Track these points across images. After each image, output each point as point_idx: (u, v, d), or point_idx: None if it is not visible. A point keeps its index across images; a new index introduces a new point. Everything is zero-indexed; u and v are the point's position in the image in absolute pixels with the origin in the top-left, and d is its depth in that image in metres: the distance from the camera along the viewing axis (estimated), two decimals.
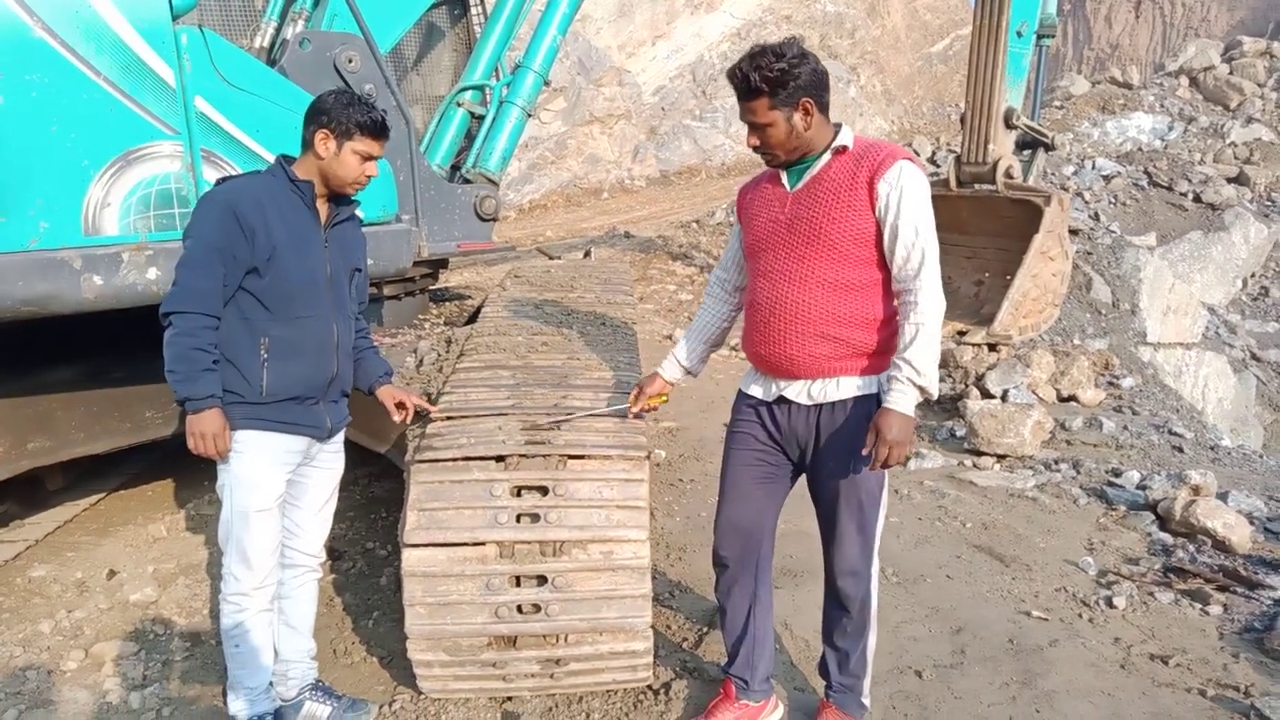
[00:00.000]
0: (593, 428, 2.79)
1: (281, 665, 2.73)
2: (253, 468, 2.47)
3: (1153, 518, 4.28)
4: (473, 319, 4.98)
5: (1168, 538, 4.08)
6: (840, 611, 2.53)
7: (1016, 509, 4.38)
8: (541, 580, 2.56)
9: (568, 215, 15.85)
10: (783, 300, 2.38)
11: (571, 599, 2.55)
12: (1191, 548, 3.98)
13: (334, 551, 3.92)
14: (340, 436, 2.79)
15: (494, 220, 4.66)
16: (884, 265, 2.32)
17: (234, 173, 3.19)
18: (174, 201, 3.02)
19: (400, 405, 2.86)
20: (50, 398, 3.63)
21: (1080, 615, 3.42)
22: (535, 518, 2.58)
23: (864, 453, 2.29)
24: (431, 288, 4.92)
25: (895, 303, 2.37)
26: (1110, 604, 3.49)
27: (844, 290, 2.33)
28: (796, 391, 2.43)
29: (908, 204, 2.24)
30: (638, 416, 2.80)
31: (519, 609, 2.55)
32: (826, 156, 2.32)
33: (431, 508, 2.58)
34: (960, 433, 5.43)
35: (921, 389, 2.27)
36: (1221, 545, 4.02)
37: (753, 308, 2.49)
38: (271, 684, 2.64)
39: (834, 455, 2.41)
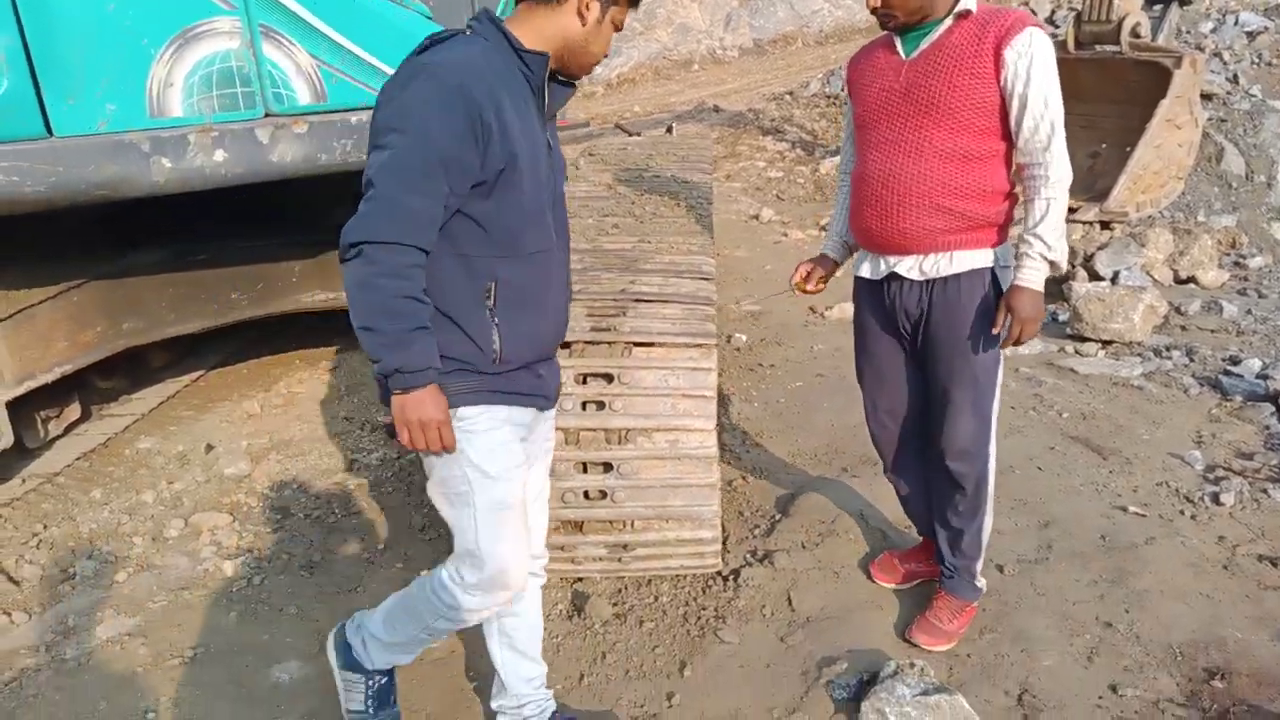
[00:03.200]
0: (660, 314, 2.69)
1: (513, 701, 2.18)
2: (496, 451, 1.83)
3: (1272, 409, 3.96)
4: None
5: None
6: (954, 490, 2.46)
7: (1120, 399, 4.12)
8: (607, 467, 2.53)
9: (656, 89, 15.32)
10: (896, 172, 2.25)
11: (637, 486, 2.52)
12: None
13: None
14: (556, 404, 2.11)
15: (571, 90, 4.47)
16: (1004, 136, 2.19)
17: (298, 50, 3.10)
18: (236, 80, 2.96)
19: None
20: (140, 280, 3.74)
21: (1183, 512, 3.22)
22: (600, 405, 2.53)
23: (994, 331, 2.24)
24: None
25: (1014, 175, 2.25)
26: (1217, 500, 3.27)
27: (961, 161, 2.19)
28: (908, 267, 2.32)
29: (1038, 72, 2.08)
30: (806, 294, 2.67)
31: (585, 495, 2.54)
32: (948, 21, 2.15)
33: None
34: (1063, 317, 5.11)
35: (1053, 264, 2.19)
36: None
37: (862, 181, 2.35)
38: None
39: (948, 331, 2.31)
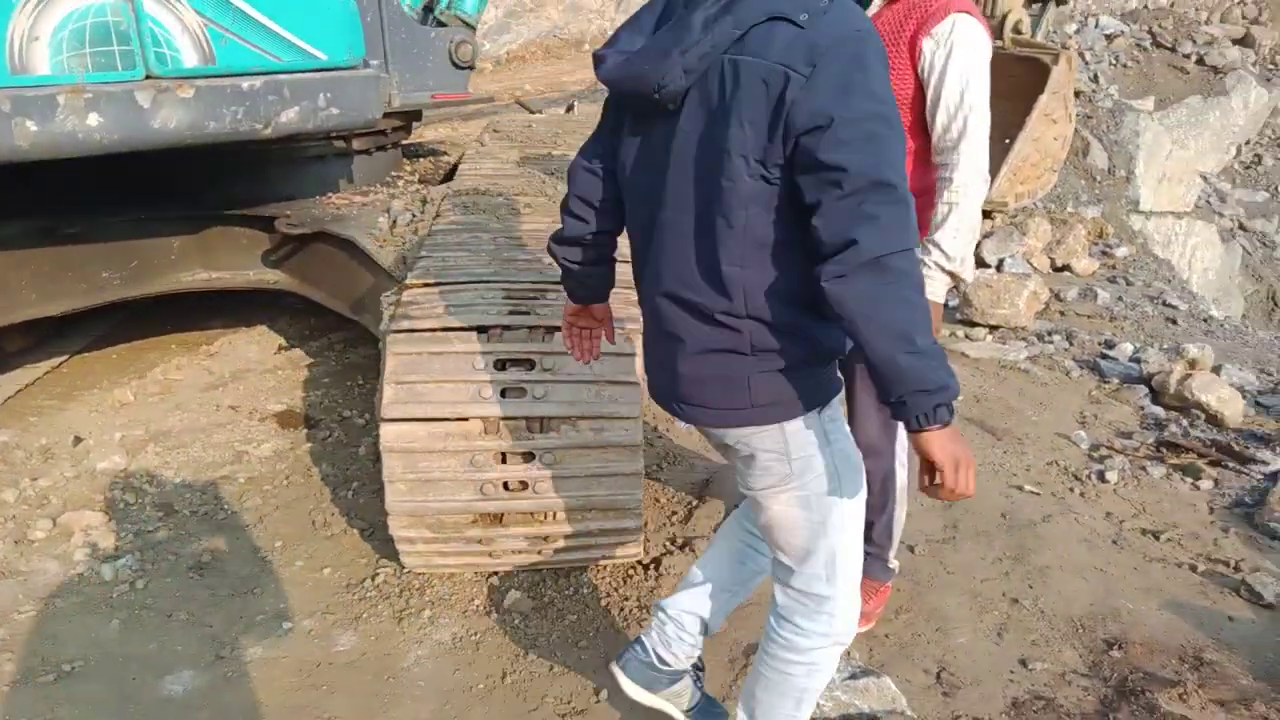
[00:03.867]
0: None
1: (691, 623, 1.99)
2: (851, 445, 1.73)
3: (1146, 391, 4.22)
4: (449, 177, 4.70)
5: (1160, 411, 4.03)
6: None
7: (1008, 381, 4.30)
8: (529, 457, 2.44)
9: (547, 68, 15.03)
10: None
11: (560, 476, 2.44)
12: (1185, 422, 3.95)
13: (310, 419, 3.79)
14: None
15: (470, 69, 4.30)
16: (924, 133, 2.11)
17: (184, 8, 2.85)
18: (113, 37, 2.69)
19: None
20: None
21: (1072, 490, 3.39)
22: (521, 392, 2.43)
23: None
24: (404, 142, 4.60)
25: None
26: (1102, 478, 3.46)
27: None
28: None
29: (956, 64, 2.00)
30: None
31: (505, 486, 2.44)
32: (876, 4, 2.10)
33: (410, 380, 2.42)
34: (953, 303, 5.30)
35: (952, 274, 2.10)
36: (1214, 419, 3.98)
37: None
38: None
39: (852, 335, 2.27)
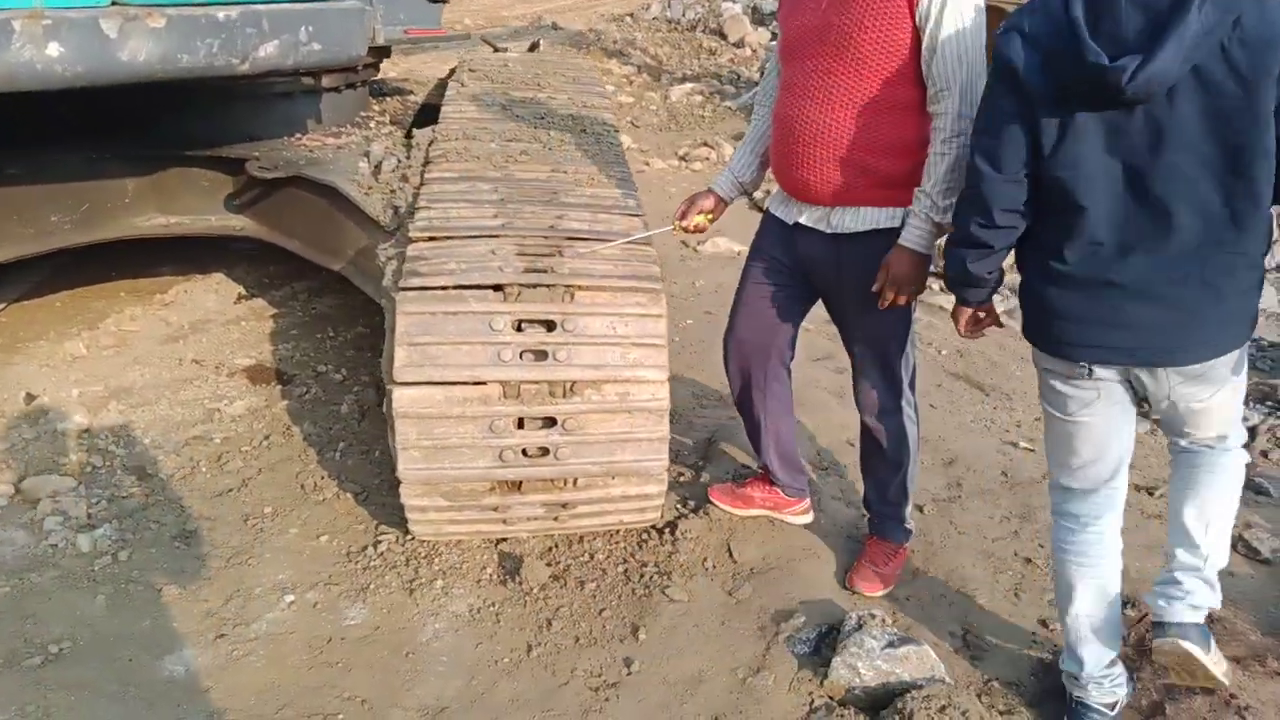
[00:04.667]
0: (600, 254, 2.48)
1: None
2: None
3: None
4: (420, 118, 4.45)
5: None
6: (873, 445, 2.48)
7: (989, 335, 4.29)
8: (550, 422, 2.33)
9: (486, 1, 14.49)
10: (804, 119, 2.15)
11: (583, 442, 2.34)
12: None
13: (283, 375, 3.60)
14: None
15: (444, 1, 4.05)
16: (921, 83, 2.06)
17: None
18: None
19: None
20: None
21: None
22: (542, 355, 2.31)
23: (873, 289, 2.15)
24: (373, 79, 4.33)
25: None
26: None
27: (873, 111, 2.08)
28: (815, 218, 2.25)
29: (952, 12, 1.96)
30: (688, 233, 2.57)
31: (524, 452, 2.34)
32: None
33: (423, 342, 2.27)
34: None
35: (940, 225, 2.06)
36: None
37: (776, 122, 2.27)
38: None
39: (853, 290, 2.25)
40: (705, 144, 7.91)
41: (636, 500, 2.48)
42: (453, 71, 5.04)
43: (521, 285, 2.36)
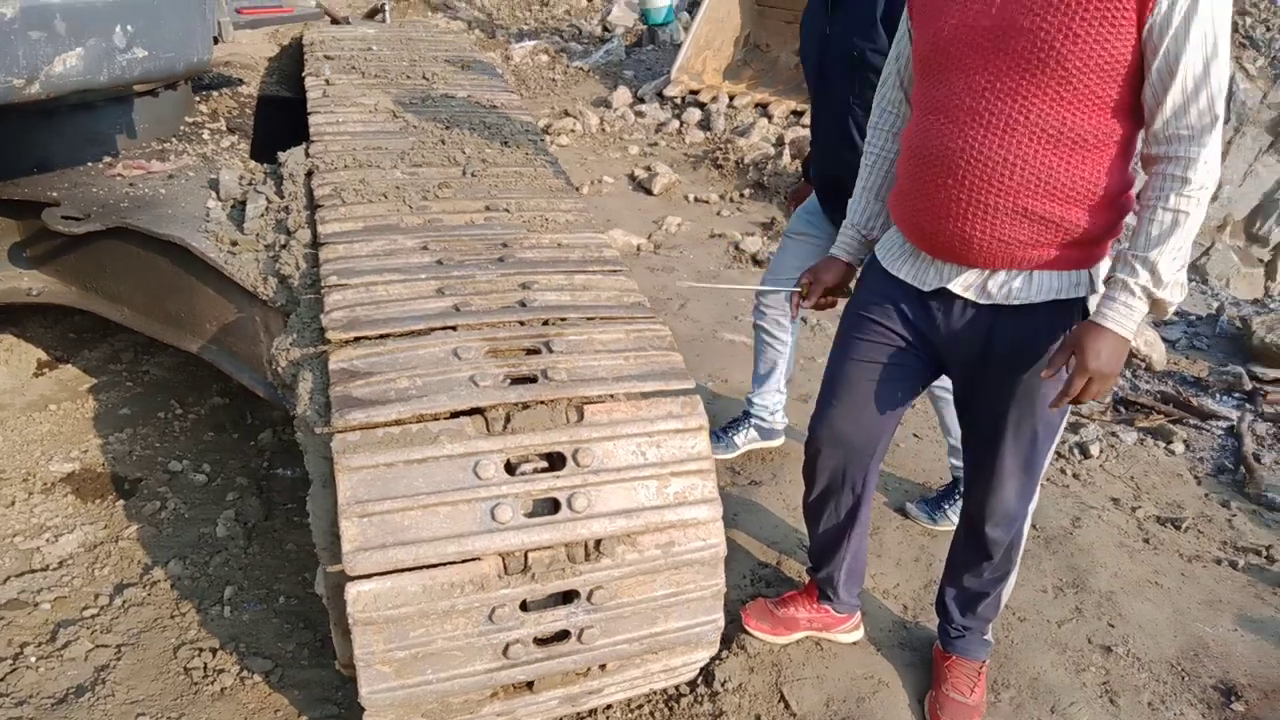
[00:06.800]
0: (598, 342, 1.83)
1: None
2: None
3: None
4: (260, 120, 3.53)
5: None
6: (978, 556, 1.99)
7: None
8: (569, 596, 1.68)
9: None
10: (969, 154, 1.57)
11: (617, 617, 1.71)
12: (1127, 371, 3.84)
13: (123, 483, 2.72)
14: None
15: None
16: (1134, 113, 1.53)
17: None
18: None
19: None
20: None
21: (1064, 470, 3.14)
22: (551, 505, 1.65)
23: (1043, 375, 1.63)
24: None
25: (1133, 169, 1.61)
26: (1085, 452, 3.24)
27: (1070, 146, 1.53)
28: (966, 284, 1.71)
29: (1200, 22, 1.41)
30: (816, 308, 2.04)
31: (538, 641, 1.68)
32: None
33: (381, 511, 1.56)
34: None
35: (1157, 302, 1.55)
36: (1146, 364, 3.91)
37: (916, 156, 1.67)
38: None
39: (1008, 372, 1.73)
40: (567, 113, 7.17)
41: (680, 671, 1.88)
42: (284, 49, 4.10)
43: (509, 405, 1.68)
